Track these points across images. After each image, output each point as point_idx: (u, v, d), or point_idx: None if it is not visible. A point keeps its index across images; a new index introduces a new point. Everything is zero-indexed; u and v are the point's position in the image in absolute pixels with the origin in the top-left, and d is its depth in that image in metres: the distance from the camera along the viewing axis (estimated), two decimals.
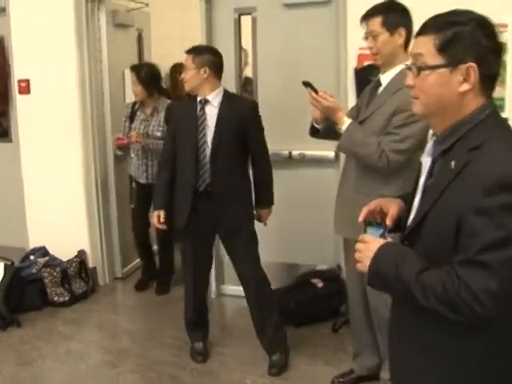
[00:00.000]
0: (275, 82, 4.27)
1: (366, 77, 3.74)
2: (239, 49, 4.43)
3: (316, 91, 2.88)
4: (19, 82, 4.87)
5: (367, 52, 3.14)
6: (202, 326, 3.84)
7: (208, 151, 3.43)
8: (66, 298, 4.60)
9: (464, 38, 1.49)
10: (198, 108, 3.49)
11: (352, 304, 3.35)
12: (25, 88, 4.85)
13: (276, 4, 4.23)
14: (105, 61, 4.93)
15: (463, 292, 1.43)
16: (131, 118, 4.71)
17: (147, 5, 5.30)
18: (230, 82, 4.42)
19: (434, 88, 1.54)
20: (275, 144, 3.90)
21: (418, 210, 1.63)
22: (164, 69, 5.73)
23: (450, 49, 1.50)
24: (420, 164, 2.86)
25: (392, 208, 1.79)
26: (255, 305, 3.62)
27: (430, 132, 2.74)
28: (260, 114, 3.54)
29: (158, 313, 4.48)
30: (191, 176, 3.48)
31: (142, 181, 4.70)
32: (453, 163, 1.50)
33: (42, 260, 4.66)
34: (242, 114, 3.45)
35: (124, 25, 5.16)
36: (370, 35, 2.86)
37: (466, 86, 1.50)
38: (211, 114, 3.46)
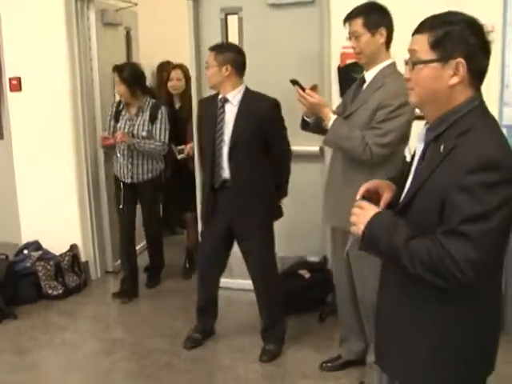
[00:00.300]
0: (261, 79, 4.37)
1: (348, 74, 3.91)
2: None
3: (303, 89, 3.01)
4: (10, 79, 4.96)
5: (350, 51, 3.29)
6: (208, 318, 3.94)
7: (225, 149, 3.50)
8: (60, 291, 4.71)
9: (454, 36, 1.64)
10: (219, 106, 3.54)
11: (339, 291, 3.48)
12: (16, 86, 4.95)
13: (262, 4, 4.35)
14: (94, 59, 5.03)
15: (446, 260, 1.60)
16: (116, 117, 4.65)
17: (136, 4, 5.41)
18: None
19: (427, 80, 1.69)
20: None
21: (409, 188, 1.78)
22: (151, 67, 5.85)
23: (442, 46, 1.65)
24: (404, 157, 3.04)
25: (386, 192, 1.95)
26: (262, 298, 3.73)
27: (413, 126, 2.95)
28: (281, 112, 3.55)
29: (150, 305, 4.61)
30: (208, 173, 3.62)
31: (128, 180, 4.63)
32: (442, 147, 1.67)
33: (35, 254, 4.77)
34: (260, 112, 3.46)
35: (112, 24, 5.25)
36: (352, 36, 2.99)
37: (455, 79, 1.66)
38: (231, 112, 3.51)
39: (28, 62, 4.88)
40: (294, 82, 3.03)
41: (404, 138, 3.02)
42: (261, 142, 3.51)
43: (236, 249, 3.77)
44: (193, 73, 4.66)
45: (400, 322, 1.84)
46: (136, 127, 4.54)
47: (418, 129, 1.88)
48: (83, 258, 5.08)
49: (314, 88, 3.10)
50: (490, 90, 1.89)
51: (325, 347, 3.77)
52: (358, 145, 2.94)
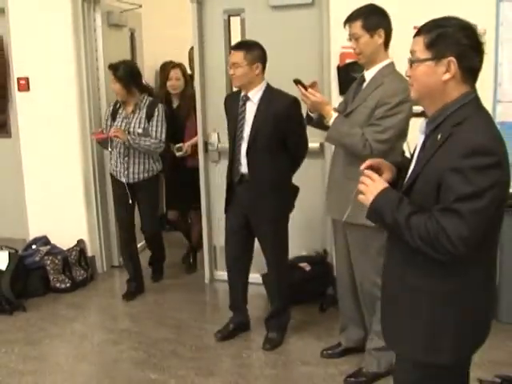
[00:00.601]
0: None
1: (347, 73, 4.04)
2: (229, 48, 4.67)
3: (305, 88, 3.16)
4: (19, 79, 5.09)
5: (349, 50, 3.44)
6: (237, 310, 4.05)
7: (244, 145, 3.63)
8: (68, 285, 4.86)
9: (446, 37, 1.84)
10: (240, 104, 3.65)
11: (339, 281, 3.60)
12: (24, 85, 5.08)
13: (263, 6, 4.48)
14: (100, 59, 5.17)
15: (440, 235, 1.78)
16: (113, 116, 4.62)
17: (140, 6, 5.54)
18: (221, 78, 4.70)
19: (423, 77, 1.89)
20: None
21: (411, 174, 1.98)
22: (155, 67, 5.97)
23: (435, 46, 1.85)
24: (403, 152, 3.17)
25: (386, 172, 2.13)
26: (272, 286, 3.93)
27: (412, 123, 3.08)
28: (300, 109, 3.57)
29: (155, 297, 4.74)
30: (228, 167, 3.78)
31: (123, 179, 4.58)
32: (439, 136, 1.85)
33: (44, 249, 4.92)
34: (278, 110, 3.53)
35: (118, 25, 5.39)
36: (352, 37, 3.12)
37: (447, 76, 1.85)
38: (251, 110, 3.62)
39: (36, 62, 5.02)
40: (297, 82, 3.17)
41: (402, 135, 3.14)
42: (279, 138, 3.60)
43: None
44: (196, 73, 4.77)
45: (400, 296, 2.02)
46: (132, 125, 4.51)
47: (417, 126, 2.04)
48: (90, 253, 5.22)
49: (313, 85, 3.24)
50: (483, 87, 2.04)
51: (325, 336, 3.91)
52: (358, 141, 3.07)
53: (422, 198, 1.88)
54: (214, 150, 4.80)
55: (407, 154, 3.23)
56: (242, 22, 4.62)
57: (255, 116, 3.60)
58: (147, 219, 4.78)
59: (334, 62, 4.22)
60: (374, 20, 3.08)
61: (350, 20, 3.12)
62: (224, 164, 4.09)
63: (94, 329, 4.29)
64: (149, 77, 5.47)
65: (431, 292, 1.92)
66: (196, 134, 4.93)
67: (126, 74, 4.45)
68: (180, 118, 5.07)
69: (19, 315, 4.45)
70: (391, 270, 2.09)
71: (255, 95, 3.62)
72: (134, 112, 4.54)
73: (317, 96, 3.14)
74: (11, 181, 5.35)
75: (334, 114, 3.15)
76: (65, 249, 5.02)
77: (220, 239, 4.87)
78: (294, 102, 3.53)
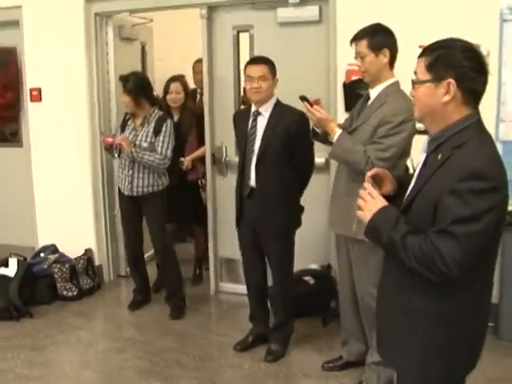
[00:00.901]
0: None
1: (353, 90, 4.11)
2: (237, 63, 4.75)
3: (311, 104, 3.23)
4: (31, 90, 5.21)
5: (354, 68, 3.51)
6: (256, 322, 4.09)
7: (254, 159, 3.69)
8: (75, 293, 4.93)
9: (446, 59, 1.85)
10: (251, 119, 3.73)
11: (342, 295, 3.65)
12: (36, 96, 5.19)
13: (272, 22, 4.56)
14: (111, 71, 5.26)
15: (435, 256, 1.79)
16: (123, 127, 4.59)
17: (152, 20, 5.63)
18: (228, 93, 4.78)
19: (423, 98, 1.92)
20: None
21: (410, 192, 1.99)
22: (165, 80, 6.04)
23: (435, 68, 1.87)
24: (407, 169, 3.22)
25: (388, 184, 2.17)
26: (276, 298, 3.96)
27: (415, 140, 3.14)
28: (308, 125, 3.57)
29: (160, 307, 4.76)
30: (238, 182, 3.83)
31: (127, 193, 4.54)
32: (439, 156, 1.87)
33: (52, 257, 5.00)
34: (288, 125, 3.61)
35: (129, 38, 5.50)
36: (358, 56, 3.19)
37: (446, 98, 1.86)
38: (261, 124, 3.70)
39: (48, 74, 5.12)
40: (303, 98, 3.26)
41: (404, 153, 3.18)
42: (287, 153, 3.65)
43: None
44: (205, 87, 4.86)
45: (395, 314, 2.05)
46: (139, 137, 4.44)
47: (420, 143, 2.09)
48: (97, 262, 5.30)
49: (317, 102, 3.29)
50: (486, 106, 2.07)
51: (327, 349, 3.95)
52: (360, 158, 3.12)
53: (419, 217, 1.90)
54: (222, 162, 4.86)
55: (411, 171, 3.29)
56: (251, 37, 4.70)
57: (265, 130, 3.67)
58: (154, 235, 4.63)
59: (341, 79, 4.28)
60: (379, 39, 3.14)
61: (356, 39, 3.19)
62: (231, 177, 4.16)
63: (99, 337, 4.36)
64: (159, 90, 5.53)
65: (425, 312, 1.94)
66: (197, 147, 4.99)
67: (136, 86, 4.41)
68: (181, 132, 4.96)
69: (26, 322, 4.53)
70: (387, 287, 2.12)
71: (266, 110, 3.70)
72: (142, 125, 4.49)
73: (321, 113, 3.21)
74: (22, 189, 5.43)
75: (338, 131, 3.21)
76: (73, 257, 5.10)
77: (226, 251, 4.95)
78: (303, 118, 3.58)
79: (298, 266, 4.66)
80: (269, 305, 4.09)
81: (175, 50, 6.19)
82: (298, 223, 3.88)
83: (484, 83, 1.89)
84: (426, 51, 1.92)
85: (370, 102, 3.28)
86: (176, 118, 5.07)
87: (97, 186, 5.22)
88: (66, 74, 5.08)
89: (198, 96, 5.59)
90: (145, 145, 4.42)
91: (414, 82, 1.95)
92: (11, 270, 4.72)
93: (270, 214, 3.71)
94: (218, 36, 4.79)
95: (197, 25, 4.83)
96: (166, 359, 3.92)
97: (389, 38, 3.18)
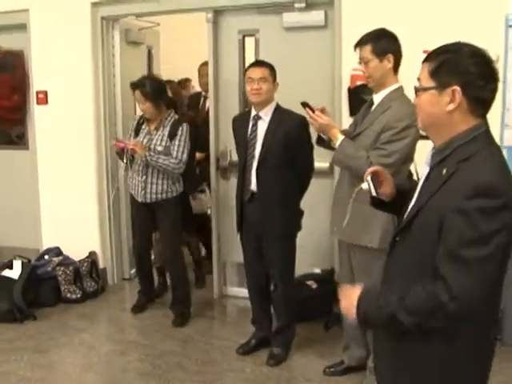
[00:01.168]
0: (276, 98, 4.59)
1: (358, 95, 4.10)
2: (243, 67, 4.75)
3: (313, 110, 3.22)
4: (38, 93, 5.24)
5: (359, 73, 3.51)
6: (259, 326, 4.09)
7: (255, 164, 3.71)
8: (78, 296, 4.95)
9: (451, 64, 1.71)
10: (251, 124, 3.75)
11: None
12: (43, 99, 5.22)
13: (277, 27, 4.57)
14: (117, 75, 5.29)
15: (439, 287, 1.64)
16: (137, 131, 4.49)
17: (158, 24, 5.65)
18: (233, 97, 4.79)
19: (426, 106, 1.78)
20: None
21: (412, 207, 1.85)
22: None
23: (439, 74, 1.73)
24: (411, 175, 3.21)
25: (385, 186, 2.08)
26: (277, 302, 3.95)
27: (418, 146, 3.13)
28: (309, 129, 3.63)
29: (163, 311, 4.76)
30: (239, 186, 3.85)
31: (140, 199, 4.45)
32: (444, 170, 1.72)
33: (56, 259, 5.02)
34: (288, 129, 3.64)
35: (136, 42, 5.52)
36: (362, 61, 3.19)
37: (451, 106, 1.71)
38: (261, 128, 3.72)
39: (55, 77, 5.15)
40: (305, 105, 3.25)
41: (407, 159, 3.17)
42: (287, 157, 3.67)
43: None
44: (211, 91, 4.87)
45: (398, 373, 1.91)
46: (154, 141, 4.35)
47: (424, 148, 2.03)
48: (101, 265, 5.31)
49: (322, 110, 3.28)
50: (491, 112, 1.96)
51: (329, 354, 3.93)
52: (363, 164, 3.08)
53: (421, 237, 1.75)
54: (226, 166, 4.86)
55: (415, 177, 3.29)
56: (257, 42, 4.71)
57: (265, 135, 3.69)
58: (166, 242, 4.58)
59: (345, 84, 4.27)
60: (383, 45, 3.13)
61: (360, 44, 3.18)
62: (235, 181, 4.16)
63: (102, 340, 4.37)
64: None
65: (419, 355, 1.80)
66: (193, 157, 4.94)
67: (154, 90, 4.29)
68: None
69: (30, 324, 4.54)
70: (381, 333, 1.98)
71: (267, 114, 3.72)
72: (157, 129, 4.39)
73: (324, 119, 3.21)
74: (27, 191, 5.46)
75: (341, 137, 3.21)
76: (77, 260, 5.11)
77: (229, 255, 4.95)
78: (303, 122, 3.60)
79: (300, 270, 4.68)
80: (271, 309, 4.08)
81: (182, 53, 6.22)
82: (299, 227, 3.88)
83: (493, 90, 1.74)
84: (431, 56, 1.78)
85: (373, 108, 3.27)
86: None
87: (102, 188, 5.24)
88: (73, 77, 5.10)
89: (202, 99, 5.60)
90: (159, 148, 4.32)
91: (416, 89, 1.83)
92: (15, 272, 4.74)
93: (271, 217, 3.73)
94: (224, 40, 4.81)
95: (203, 29, 4.84)
96: (168, 362, 3.93)
97: (393, 43, 3.18)
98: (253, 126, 3.75)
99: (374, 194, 2.03)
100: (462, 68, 1.70)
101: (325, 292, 4.48)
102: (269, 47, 4.64)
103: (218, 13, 4.76)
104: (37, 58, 5.21)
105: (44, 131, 5.29)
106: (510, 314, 3.94)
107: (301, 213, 3.89)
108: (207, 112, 5.32)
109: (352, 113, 4.18)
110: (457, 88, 1.70)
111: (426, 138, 2.02)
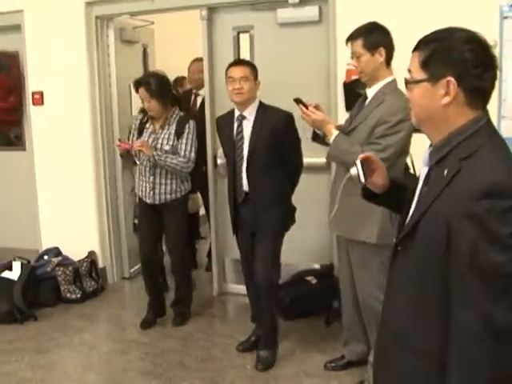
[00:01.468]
0: (271, 94, 4.57)
1: (353, 90, 4.09)
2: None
3: (306, 106, 3.21)
4: (33, 93, 5.23)
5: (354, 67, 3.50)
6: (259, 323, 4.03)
7: (244, 164, 3.69)
8: (78, 296, 4.95)
9: (442, 53, 1.55)
10: (236, 124, 3.71)
11: (343, 295, 3.65)
12: (38, 99, 5.21)
13: (272, 23, 4.56)
14: (113, 74, 5.28)
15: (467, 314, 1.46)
16: (140, 130, 4.33)
17: (153, 22, 5.64)
18: None
19: (419, 100, 1.62)
20: None
21: (413, 214, 1.68)
22: None
23: (430, 64, 1.57)
24: (408, 168, 3.19)
25: (377, 175, 1.92)
26: (259, 301, 3.85)
27: (412, 139, 3.13)
28: (295, 124, 3.65)
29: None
30: (231, 189, 3.81)
31: (149, 201, 4.29)
32: (445, 171, 1.54)
33: (55, 259, 5.02)
34: (274, 125, 3.59)
35: (130, 41, 5.51)
36: (354, 55, 3.18)
37: (447, 99, 1.55)
38: (247, 128, 3.69)
39: (50, 77, 5.14)
40: (298, 101, 3.22)
41: (403, 152, 3.16)
42: (276, 154, 3.64)
43: None
44: (206, 88, 4.86)
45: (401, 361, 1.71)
46: (160, 141, 4.20)
47: (419, 141, 1.96)
48: (101, 264, 5.30)
49: (316, 107, 3.26)
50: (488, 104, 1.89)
51: (330, 349, 3.93)
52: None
53: (427, 248, 1.57)
54: (222, 164, 4.85)
55: (411, 170, 3.29)
56: (251, 38, 4.71)
57: (252, 134, 3.66)
58: (172, 242, 4.46)
59: (341, 79, 4.26)
60: (374, 38, 3.11)
61: (351, 38, 3.17)
62: None
63: (102, 339, 4.37)
64: None
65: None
66: None
67: (161, 87, 4.15)
68: None
69: (30, 324, 4.54)
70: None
71: (251, 114, 3.69)
72: (162, 127, 4.23)
73: (317, 114, 3.19)
74: (25, 193, 5.46)
75: (335, 132, 3.19)
76: (76, 260, 5.11)
77: (228, 252, 4.96)
78: (289, 117, 3.60)
79: (300, 265, 4.71)
80: None
81: (177, 51, 6.21)
82: (292, 221, 3.86)
83: (492, 79, 1.57)
84: (420, 45, 1.62)
85: (367, 102, 3.27)
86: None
87: (99, 188, 5.23)
88: (68, 77, 5.09)
89: (193, 96, 5.59)
90: (167, 148, 4.18)
91: (407, 82, 1.66)
92: (15, 274, 4.74)
93: (266, 216, 3.70)
94: (219, 37, 4.80)
95: (198, 26, 4.83)
96: (168, 360, 3.93)
97: (384, 36, 3.16)
98: (238, 126, 3.72)
99: (362, 180, 1.90)
100: (456, 56, 1.54)
101: (325, 287, 4.48)
102: (263, 43, 4.64)
103: (212, 10, 4.75)
104: (32, 59, 5.21)
105: (41, 132, 5.29)
106: None
107: (293, 208, 3.86)
108: (198, 109, 5.33)
109: (348, 108, 4.17)
110: (451, 79, 1.54)
111: (419, 131, 1.94)
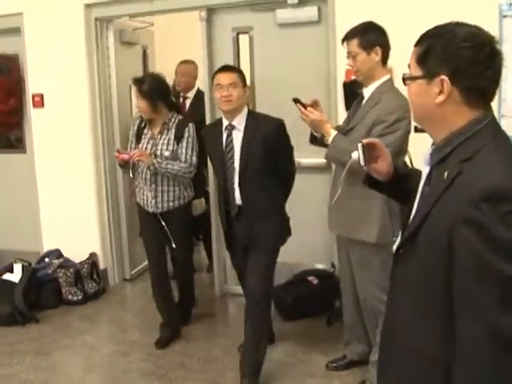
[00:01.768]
0: (271, 94, 4.59)
1: (353, 90, 4.08)
2: (238, 64, 4.73)
3: (305, 106, 3.20)
4: (33, 96, 5.23)
5: None
6: None
7: (236, 176, 3.50)
8: (80, 297, 4.95)
9: (437, 50, 1.51)
10: (225, 135, 3.52)
11: (344, 295, 3.65)
12: (39, 102, 5.22)
13: (271, 24, 4.56)
14: (113, 76, 5.28)
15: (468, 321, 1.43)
16: (138, 136, 4.16)
17: (152, 24, 5.65)
18: None
19: (415, 97, 1.60)
20: None
21: (415, 217, 1.63)
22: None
23: (426, 61, 1.53)
24: (406, 163, 3.19)
25: (382, 161, 1.91)
26: (248, 319, 3.63)
27: (413, 139, 3.13)
28: (286, 131, 3.53)
29: None
30: (222, 202, 3.63)
31: (151, 210, 4.09)
32: (446, 173, 1.49)
33: (56, 261, 5.02)
34: (266, 134, 3.42)
35: (130, 42, 5.51)
36: (350, 55, 3.18)
37: (440, 98, 1.51)
38: (237, 137, 3.50)
39: (50, 80, 5.15)
40: (296, 101, 3.21)
41: (400, 152, 3.15)
42: (269, 164, 3.47)
43: None
44: (206, 90, 4.87)
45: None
46: (159, 147, 4.02)
47: (418, 140, 1.95)
48: (102, 266, 5.31)
49: (315, 103, 3.26)
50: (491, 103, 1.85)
51: (331, 350, 3.92)
52: None
53: (429, 253, 1.53)
54: None
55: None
56: (251, 39, 4.71)
57: (243, 144, 3.48)
58: (179, 254, 4.36)
59: (340, 79, 4.27)
60: (370, 38, 3.12)
61: (347, 38, 3.17)
62: None
63: (104, 340, 4.37)
64: None
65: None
66: None
67: (153, 88, 3.98)
68: None
69: (32, 327, 4.55)
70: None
71: (240, 123, 3.51)
72: (161, 133, 4.05)
73: (315, 114, 3.17)
74: (26, 195, 5.46)
75: (333, 132, 3.18)
76: (77, 262, 5.11)
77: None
78: (281, 124, 3.49)
79: (301, 266, 4.71)
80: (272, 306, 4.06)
81: (176, 52, 6.20)
82: (289, 233, 3.71)
83: (492, 78, 1.52)
84: (420, 40, 1.58)
85: (364, 102, 3.27)
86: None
87: (100, 189, 5.24)
88: (68, 79, 5.10)
89: (182, 99, 5.57)
90: (167, 154, 3.99)
91: (404, 78, 1.62)
92: (16, 276, 4.75)
93: (262, 230, 3.51)
94: (218, 38, 4.80)
95: (197, 27, 4.83)
96: (170, 362, 3.94)
97: (380, 35, 3.16)
98: (228, 136, 3.53)
99: (362, 162, 1.88)
100: (452, 53, 1.49)
101: (326, 287, 4.48)
102: (263, 44, 4.65)
103: (211, 11, 4.75)
104: (32, 62, 5.21)
105: (41, 134, 5.29)
106: None
107: (288, 219, 3.71)
108: (187, 112, 5.30)
109: (348, 107, 4.16)
110: (444, 77, 1.49)
111: (421, 130, 1.89)
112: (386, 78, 3.18)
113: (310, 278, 4.56)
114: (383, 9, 3.96)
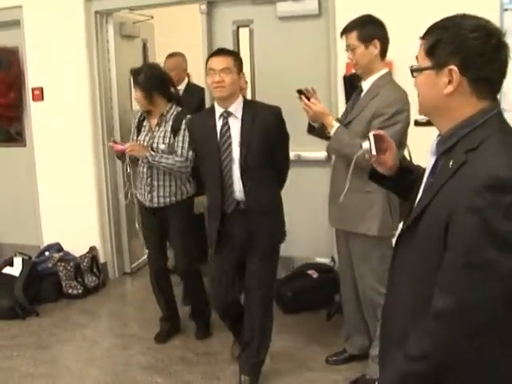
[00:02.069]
0: (272, 88, 4.57)
1: (353, 83, 4.07)
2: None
3: (308, 98, 3.19)
4: (33, 89, 5.22)
5: None
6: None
7: (235, 167, 3.24)
8: (80, 291, 4.95)
9: (447, 41, 1.53)
10: (221, 122, 3.27)
11: (344, 290, 3.64)
12: (38, 95, 5.20)
13: (271, 17, 4.56)
14: (113, 69, 5.27)
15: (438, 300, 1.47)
16: (138, 129, 4.04)
17: (152, 17, 5.63)
18: None
19: (423, 88, 1.61)
20: None
21: (418, 204, 1.64)
22: None
23: (435, 52, 1.55)
24: (405, 157, 3.19)
25: (389, 153, 1.89)
26: (247, 320, 3.48)
27: (415, 133, 3.12)
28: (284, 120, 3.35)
29: None
30: (217, 199, 3.30)
31: (148, 204, 3.97)
32: (451, 163, 1.52)
33: (56, 255, 5.02)
34: (266, 122, 3.23)
35: (130, 36, 5.50)
36: (348, 48, 3.18)
37: (449, 88, 1.53)
38: (234, 126, 3.25)
39: (50, 73, 5.13)
40: (300, 92, 3.21)
41: (400, 145, 3.13)
42: (269, 154, 3.28)
43: None
44: (205, 83, 4.83)
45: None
46: (156, 139, 3.88)
47: (417, 133, 1.95)
48: (102, 260, 5.31)
49: (313, 90, 3.24)
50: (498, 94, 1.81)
51: (331, 344, 3.92)
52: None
53: (428, 238, 1.55)
54: None
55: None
56: (251, 32, 4.71)
57: (242, 132, 3.23)
58: (179, 253, 4.15)
59: (341, 72, 4.26)
60: (369, 31, 3.12)
61: (346, 31, 3.17)
62: None
63: (104, 334, 4.38)
64: None
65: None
66: None
67: (149, 79, 3.84)
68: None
69: (32, 320, 4.55)
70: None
71: (237, 109, 3.27)
72: (158, 125, 3.91)
73: (319, 106, 3.18)
74: (26, 189, 5.46)
75: (336, 125, 3.18)
76: (77, 255, 5.11)
77: None
78: (280, 112, 3.31)
79: (302, 260, 4.71)
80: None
81: (176, 46, 6.18)
82: (285, 234, 3.52)
83: (499, 69, 1.54)
84: (428, 32, 1.60)
85: (362, 95, 3.27)
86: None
87: (100, 183, 5.23)
88: (68, 72, 5.08)
89: None
90: (162, 147, 3.84)
91: (412, 70, 1.63)
92: (16, 269, 4.75)
93: (261, 226, 3.30)
94: (218, 31, 4.79)
95: (197, 20, 4.81)
96: (170, 355, 3.94)
97: (379, 28, 3.16)
98: (223, 124, 3.27)
99: (373, 152, 1.87)
100: (461, 44, 1.52)
101: (326, 281, 4.48)
102: (263, 37, 4.64)
103: (211, 4, 4.74)
104: (31, 55, 5.20)
105: (41, 128, 5.28)
106: None
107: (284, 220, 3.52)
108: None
109: (348, 100, 4.16)
110: (453, 68, 1.52)
111: (423, 124, 1.87)
112: (384, 71, 3.19)
113: (310, 272, 4.56)
114: (383, 2, 3.94)
